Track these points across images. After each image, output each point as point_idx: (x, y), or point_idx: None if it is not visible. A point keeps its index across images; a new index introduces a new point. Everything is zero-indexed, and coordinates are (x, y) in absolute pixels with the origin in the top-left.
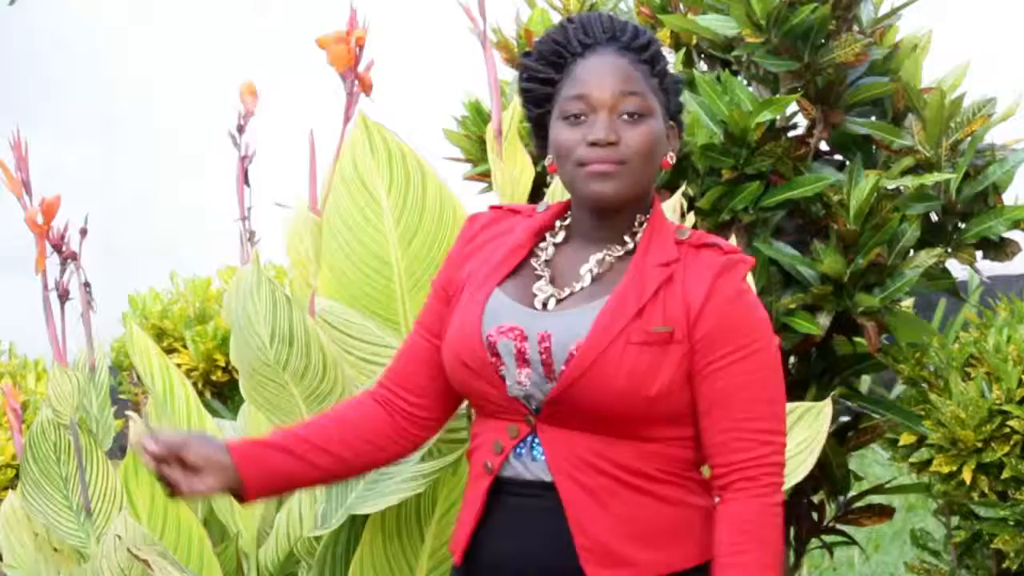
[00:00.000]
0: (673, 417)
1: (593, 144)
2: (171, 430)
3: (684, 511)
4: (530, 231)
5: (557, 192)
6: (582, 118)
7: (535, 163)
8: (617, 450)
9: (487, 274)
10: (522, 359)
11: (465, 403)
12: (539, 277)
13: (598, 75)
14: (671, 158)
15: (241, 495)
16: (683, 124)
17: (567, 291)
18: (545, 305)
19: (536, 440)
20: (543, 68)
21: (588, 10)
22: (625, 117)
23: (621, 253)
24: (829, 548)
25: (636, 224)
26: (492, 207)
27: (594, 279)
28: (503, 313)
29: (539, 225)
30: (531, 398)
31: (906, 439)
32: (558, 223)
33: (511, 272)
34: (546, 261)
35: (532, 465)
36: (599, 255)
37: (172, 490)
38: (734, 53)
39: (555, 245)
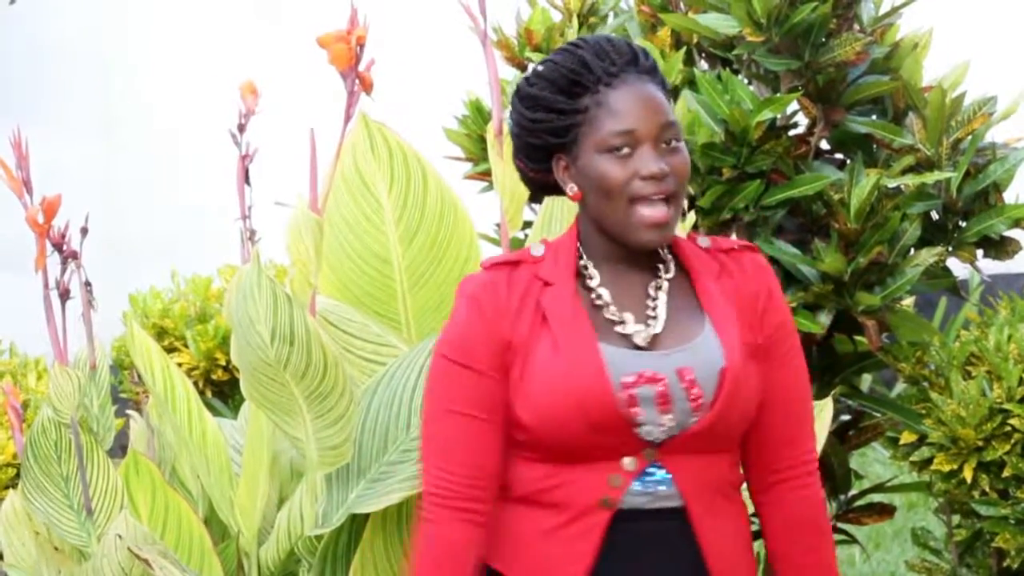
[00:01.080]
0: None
1: (647, 178)
2: None
3: (747, 515)
4: (569, 275)
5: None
6: (626, 151)
7: None
8: (722, 464)
9: (571, 331)
10: (664, 401)
11: None
12: (612, 322)
13: (640, 107)
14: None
15: None
16: None
17: (656, 326)
18: (649, 344)
19: (657, 468)
20: (562, 99)
21: (589, 10)
22: (664, 146)
23: (672, 274)
24: None
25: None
26: (487, 268)
27: (665, 308)
28: (623, 364)
29: (572, 268)
30: (659, 436)
31: (907, 438)
32: (584, 259)
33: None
34: (611, 302)
35: (658, 494)
36: (654, 282)
37: None
38: (735, 52)
39: (600, 284)
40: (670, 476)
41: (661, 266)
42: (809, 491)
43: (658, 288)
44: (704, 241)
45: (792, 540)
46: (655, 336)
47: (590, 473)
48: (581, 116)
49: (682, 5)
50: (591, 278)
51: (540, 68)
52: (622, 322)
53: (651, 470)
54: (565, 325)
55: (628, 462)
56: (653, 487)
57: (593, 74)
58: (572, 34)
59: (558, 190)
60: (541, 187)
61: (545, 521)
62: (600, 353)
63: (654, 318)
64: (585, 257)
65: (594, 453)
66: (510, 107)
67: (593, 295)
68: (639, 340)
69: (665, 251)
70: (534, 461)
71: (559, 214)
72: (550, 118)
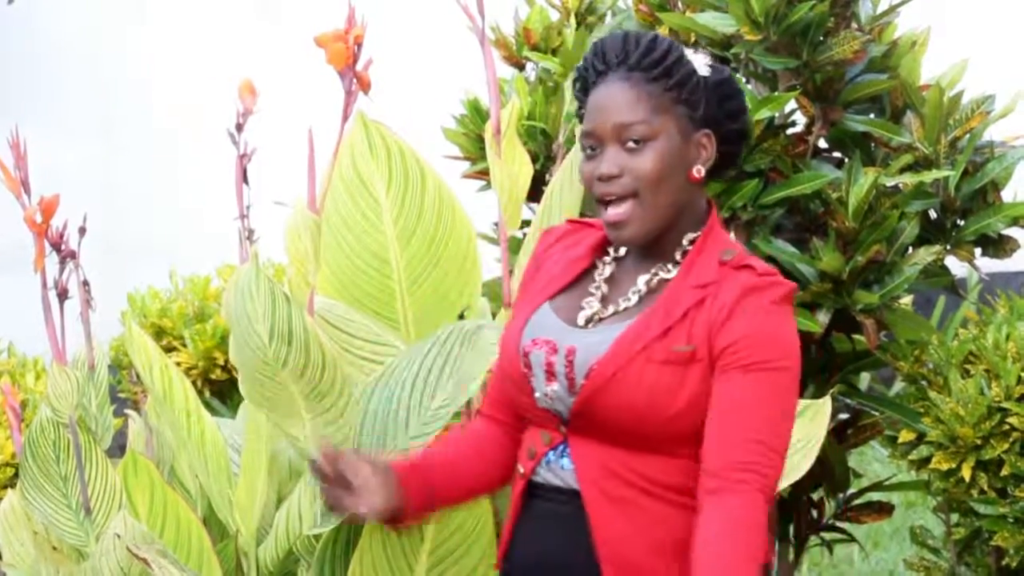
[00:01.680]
0: (699, 433)
1: (599, 179)
2: (348, 452)
3: (684, 520)
4: (590, 245)
5: (556, 191)
6: (596, 151)
7: (534, 161)
8: (644, 462)
9: (541, 287)
10: (550, 372)
11: (463, 403)
12: (591, 294)
13: (600, 108)
14: (698, 171)
15: (400, 517)
16: (734, 125)
17: (611, 309)
18: (588, 322)
19: (567, 449)
20: (579, 96)
21: (587, 9)
22: (631, 145)
23: (671, 274)
24: (829, 545)
25: (686, 242)
26: (569, 220)
27: (640, 299)
28: (543, 326)
29: (601, 238)
30: (558, 410)
31: (905, 436)
32: None
33: (567, 286)
34: (605, 279)
35: (561, 472)
36: (647, 276)
37: (332, 507)
38: (732, 51)
39: (616, 260)
40: (571, 459)
41: (670, 265)
42: (721, 500)
43: (647, 283)
44: (728, 254)
45: (700, 538)
46: (600, 320)
47: (525, 442)
48: (584, 113)
49: (680, 4)
50: (607, 254)
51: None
52: (596, 298)
53: (561, 450)
54: (538, 283)
55: (544, 436)
56: (557, 466)
57: (588, 74)
58: (570, 33)
59: None
60: None
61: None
62: (533, 313)
63: (617, 305)
64: None
65: (528, 415)
66: None
67: (598, 269)
68: (580, 318)
69: (687, 251)
70: None
71: (557, 212)
72: (579, 114)
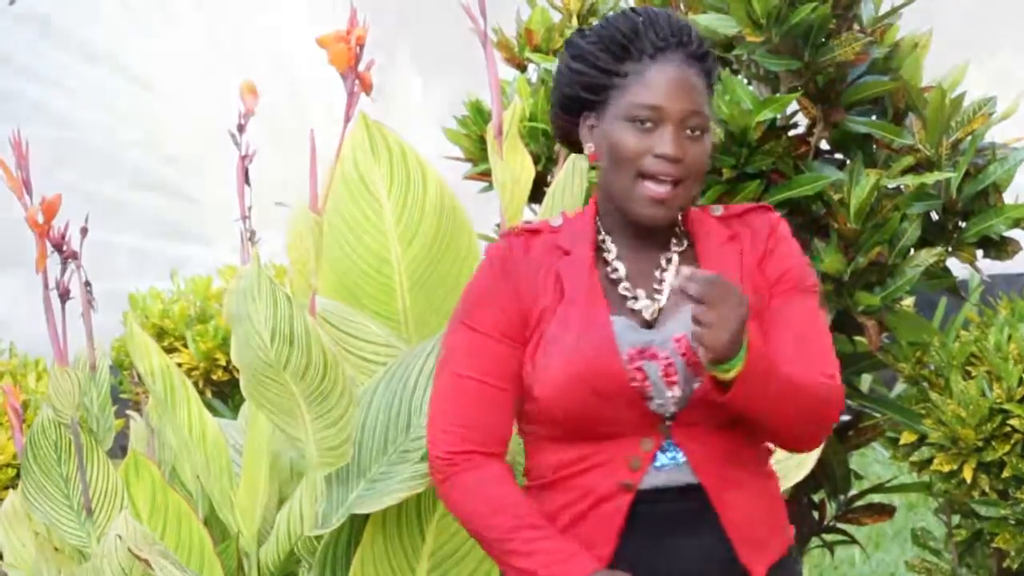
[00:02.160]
0: None
1: (659, 157)
2: None
3: (777, 486)
4: (587, 247)
5: (557, 192)
6: (648, 125)
7: (536, 163)
8: (736, 438)
9: (586, 303)
10: (670, 374)
11: None
12: (627, 293)
13: (674, 87)
14: (708, 165)
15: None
16: None
17: (659, 298)
18: (655, 318)
19: (672, 446)
20: (604, 56)
21: (588, 10)
22: (689, 133)
23: (684, 246)
24: (830, 547)
25: (679, 215)
26: (518, 231)
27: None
28: (630, 337)
29: (590, 239)
30: (670, 411)
31: (907, 438)
32: (603, 233)
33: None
34: (625, 277)
35: (675, 472)
36: (667, 255)
37: None
38: (734, 52)
39: (616, 257)
40: (684, 454)
41: (674, 240)
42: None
43: (668, 260)
44: (717, 210)
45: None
46: (660, 309)
47: (611, 456)
48: (618, 80)
49: (681, 5)
50: (608, 251)
51: (597, 23)
52: (634, 297)
53: (667, 450)
54: (581, 295)
55: (645, 443)
56: (670, 467)
57: (640, 43)
58: None
59: (579, 146)
60: (564, 137)
61: (572, 506)
62: (611, 325)
63: (660, 292)
64: (603, 231)
65: (610, 430)
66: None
67: (609, 268)
68: (647, 315)
69: (680, 225)
70: (559, 445)
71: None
72: (589, 73)
